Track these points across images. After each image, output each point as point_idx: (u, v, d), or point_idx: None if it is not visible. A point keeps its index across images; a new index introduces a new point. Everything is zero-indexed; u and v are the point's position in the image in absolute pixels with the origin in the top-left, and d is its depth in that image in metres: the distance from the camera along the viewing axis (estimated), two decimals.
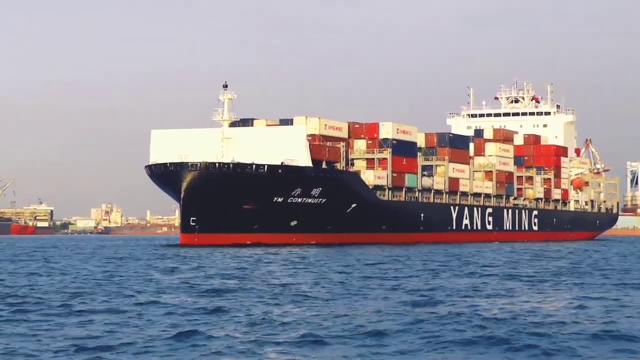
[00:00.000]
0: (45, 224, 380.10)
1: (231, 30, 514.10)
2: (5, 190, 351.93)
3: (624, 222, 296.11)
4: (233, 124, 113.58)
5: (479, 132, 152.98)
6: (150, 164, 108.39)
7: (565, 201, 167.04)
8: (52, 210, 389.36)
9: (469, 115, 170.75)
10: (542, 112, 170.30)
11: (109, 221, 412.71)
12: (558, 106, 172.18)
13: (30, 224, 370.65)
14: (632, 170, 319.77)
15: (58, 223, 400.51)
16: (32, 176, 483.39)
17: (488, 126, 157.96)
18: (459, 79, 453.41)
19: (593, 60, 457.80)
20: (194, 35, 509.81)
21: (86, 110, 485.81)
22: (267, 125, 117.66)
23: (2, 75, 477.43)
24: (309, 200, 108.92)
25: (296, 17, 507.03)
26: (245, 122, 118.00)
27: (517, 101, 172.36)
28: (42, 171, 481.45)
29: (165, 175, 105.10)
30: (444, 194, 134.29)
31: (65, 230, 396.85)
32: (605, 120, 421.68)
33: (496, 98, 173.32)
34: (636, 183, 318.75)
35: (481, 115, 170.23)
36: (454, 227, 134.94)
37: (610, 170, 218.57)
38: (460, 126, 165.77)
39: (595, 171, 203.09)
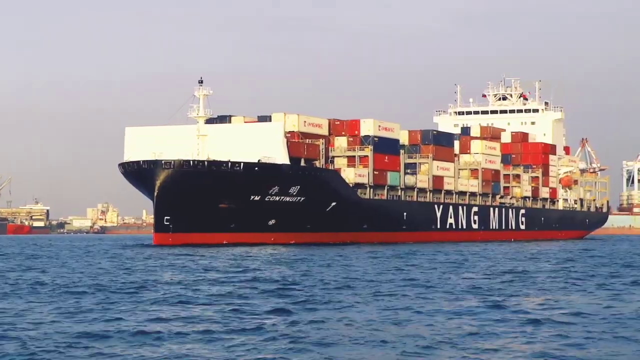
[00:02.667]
0: (42, 224, 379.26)
1: (229, 30, 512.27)
2: (1, 189, 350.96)
3: (620, 221, 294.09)
4: (210, 121, 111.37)
5: (465, 130, 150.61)
6: (124, 162, 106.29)
7: (553, 200, 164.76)
8: (48, 210, 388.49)
9: (456, 112, 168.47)
10: (530, 110, 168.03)
11: (105, 221, 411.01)
12: (546, 103, 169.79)
13: (27, 223, 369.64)
14: (627, 170, 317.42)
15: (54, 223, 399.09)
16: (29, 176, 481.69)
17: (475, 124, 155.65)
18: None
19: (591, 60, 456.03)
20: (192, 36, 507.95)
21: (84, 110, 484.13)
22: (245, 122, 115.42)
23: None
24: (287, 199, 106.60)
25: (293, 17, 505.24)
26: (223, 119, 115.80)
27: (504, 98, 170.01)
28: (39, 171, 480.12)
29: (139, 174, 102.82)
30: (428, 193, 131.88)
31: (61, 230, 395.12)
32: (601, 120, 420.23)
33: (484, 95, 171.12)
34: (632, 182, 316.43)
35: (468, 113, 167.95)
36: (439, 227, 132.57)
37: (606, 170, 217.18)
38: (447, 124, 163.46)
39: (592, 170, 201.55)
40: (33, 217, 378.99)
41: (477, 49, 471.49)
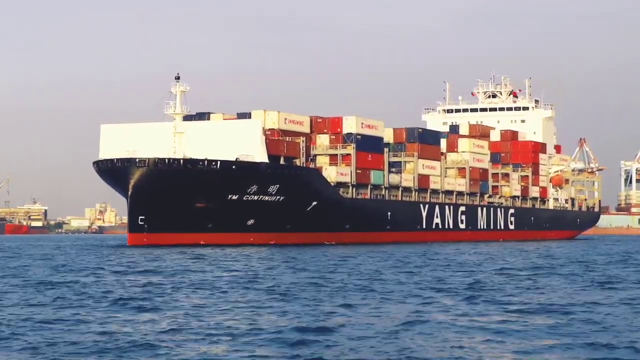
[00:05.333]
0: (40, 224, 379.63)
1: (229, 30, 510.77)
2: None
3: (618, 221, 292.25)
4: (189, 118, 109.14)
5: (454, 128, 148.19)
6: (98, 159, 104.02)
7: (543, 199, 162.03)
8: (46, 210, 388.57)
9: (444, 110, 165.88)
10: (520, 107, 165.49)
11: (103, 221, 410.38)
12: (537, 101, 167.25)
13: (25, 223, 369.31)
14: (625, 170, 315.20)
15: (52, 223, 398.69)
16: (27, 176, 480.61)
17: (464, 122, 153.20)
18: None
19: (590, 60, 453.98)
20: (192, 36, 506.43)
21: (83, 110, 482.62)
22: (224, 119, 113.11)
23: None
24: (266, 198, 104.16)
25: (292, 17, 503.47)
26: (202, 116, 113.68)
27: (494, 96, 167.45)
28: (37, 171, 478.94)
29: (113, 172, 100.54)
30: (413, 192, 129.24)
31: (59, 230, 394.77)
32: (600, 120, 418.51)
33: (473, 93, 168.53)
34: (630, 182, 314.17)
35: (457, 111, 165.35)
36: (424, 226, 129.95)
37: (604, 170, 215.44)
38: (436, 122, 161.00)
39: (590, 170, 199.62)
40: (31, 217, 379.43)
41: (477, 49, 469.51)
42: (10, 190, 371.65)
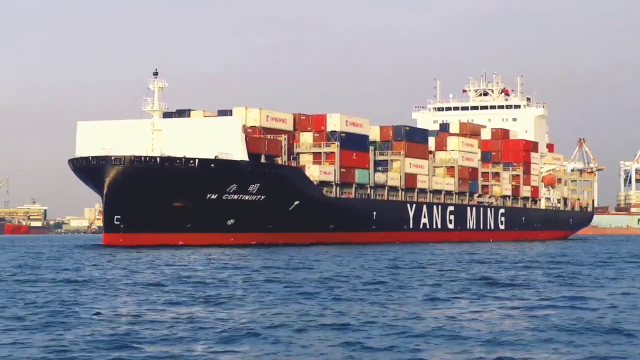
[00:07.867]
0: (39, 224, 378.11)
1: (229, 30, 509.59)
2: None
3: (618, 221, 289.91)
4: (169, 115, 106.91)
5: (444, 126, 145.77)
6: (74, 157, 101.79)
7: (535, 199, 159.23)
8: (45, 210, 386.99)
9: (435, 108, 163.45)
10: (511, 106, 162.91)
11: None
12: (528, 99, 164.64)
13: (24, 223, 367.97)
14: (625, 170, 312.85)
15: (52, 223, 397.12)
16: (26, 176, 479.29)
17: (455, 120, 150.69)
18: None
19: (590, 60, 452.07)
20: (191, 36, 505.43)
21: (83, 110, 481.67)
22: (205, 116, 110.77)
23: None
24: (246, 197, 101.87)
25: (292, 17, 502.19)
26: (182, 113, 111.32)
27: (485, 94, 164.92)
28: (36, 171, 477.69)
29: (88, 170, 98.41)
30: (400, 191, 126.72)
31: (59, 230, 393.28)
32: (599, 120, 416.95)
33: (464, 91, 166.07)
34: (629, 182, 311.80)
35: (448, 109, 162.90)
36: (411, 227, 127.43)
37: (604, 170, 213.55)
38: (427, 120, 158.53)
39: (589, 170, 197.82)
40: (30, 217, 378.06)
41: (472, 48, 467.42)
42: (10, 190, 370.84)
